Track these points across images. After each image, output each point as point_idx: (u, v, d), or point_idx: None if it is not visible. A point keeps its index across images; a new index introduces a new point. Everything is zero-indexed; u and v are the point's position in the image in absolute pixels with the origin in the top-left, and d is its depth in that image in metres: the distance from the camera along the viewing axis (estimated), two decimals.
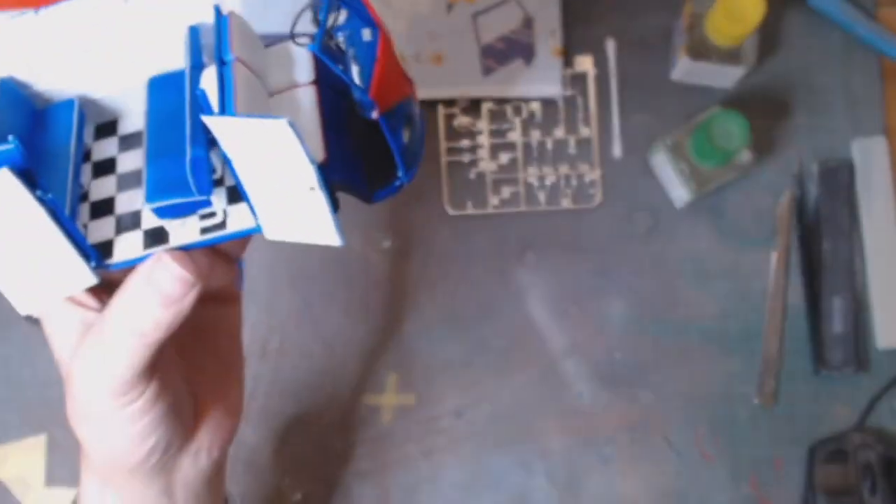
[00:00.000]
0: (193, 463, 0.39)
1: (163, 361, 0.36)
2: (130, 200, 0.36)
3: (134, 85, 0.38)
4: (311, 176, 0.31)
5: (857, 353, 0.71)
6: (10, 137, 0.30)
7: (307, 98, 0.35)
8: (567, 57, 0.75)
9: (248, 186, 0.33)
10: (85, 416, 0.35)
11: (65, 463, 0.72)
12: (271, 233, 0.34)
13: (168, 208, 0.34)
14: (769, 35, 0.75)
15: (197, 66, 0.35)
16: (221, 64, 0.33)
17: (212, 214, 0.35)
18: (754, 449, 0.72)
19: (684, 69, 0.73)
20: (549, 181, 0.74)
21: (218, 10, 0.35)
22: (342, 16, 0.34)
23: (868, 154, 0.75)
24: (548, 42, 0.74)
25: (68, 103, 0.37)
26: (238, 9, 0.35)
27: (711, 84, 0.75)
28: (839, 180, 0.73)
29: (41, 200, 0.31)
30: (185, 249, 0.35)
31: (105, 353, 0.34)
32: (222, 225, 0.35)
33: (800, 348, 0.73)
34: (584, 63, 0.75)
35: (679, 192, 0.72)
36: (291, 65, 0.36)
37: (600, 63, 0.76)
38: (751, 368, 0.72)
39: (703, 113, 0.69)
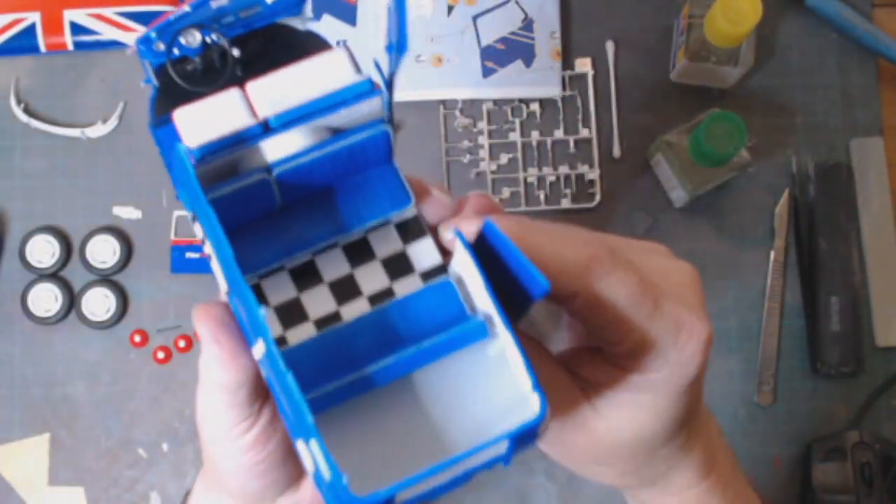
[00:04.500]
0: None
1: (271, 402, 0.37)
2: None
3: None
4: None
5: (854, 352, 0.71)
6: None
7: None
8: (567, 58, 0.76)
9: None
10: (212, 440, 0.37)
11: (68, 462, 0.72)
12: None
13: None
14: (767, 36, 0.76)
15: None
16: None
17: None
18: (753, 447, 0.72)
19: (683, 70, 0.74)
20: (548, 181, 0.75)
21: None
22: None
23: (865, 154, 0.75)
24: (547, 44, 0.75)
25: None
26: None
27: (710, 85, 0.75)
28: (837, 180, 0.74)
29: None
30: None
31: (213, 378, 0.35)
32: None
33: (798, 347, 0.73)
34: (584, 64, 0.76)
35: (678, 191, 0.72)
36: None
37: (600, 64, 0.76)
38: (749, 367, 0.73)
39: (702, 113, 0.70)
